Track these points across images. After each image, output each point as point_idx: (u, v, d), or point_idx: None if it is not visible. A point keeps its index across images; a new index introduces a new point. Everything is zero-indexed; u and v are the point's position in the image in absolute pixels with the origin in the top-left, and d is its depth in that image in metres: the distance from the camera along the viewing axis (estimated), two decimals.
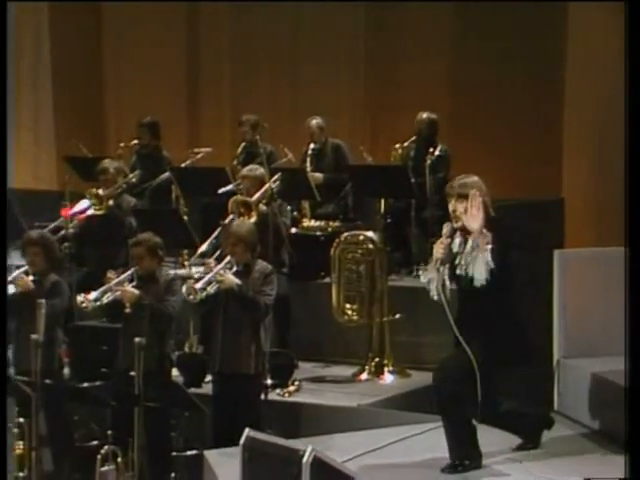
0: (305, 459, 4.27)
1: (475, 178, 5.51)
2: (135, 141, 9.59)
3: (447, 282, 5.43)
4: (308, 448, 4.31)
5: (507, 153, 9.50)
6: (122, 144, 9.65)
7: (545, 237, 7.77)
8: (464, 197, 5.38)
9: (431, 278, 5.43)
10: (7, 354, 6.51)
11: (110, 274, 6.48)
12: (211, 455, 5.83)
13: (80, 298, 6.34)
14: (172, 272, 7.36)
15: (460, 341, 5.36)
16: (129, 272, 6.45)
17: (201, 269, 6.88)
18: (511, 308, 5.47)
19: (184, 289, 6.30)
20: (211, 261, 6.58)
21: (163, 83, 11.09)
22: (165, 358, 6.58)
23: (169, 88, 11.10)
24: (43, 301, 6.04)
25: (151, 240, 6.60)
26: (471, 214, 5.31)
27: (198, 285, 6.30)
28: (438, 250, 5.41)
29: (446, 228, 5.46)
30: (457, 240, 5.46)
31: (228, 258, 6.45)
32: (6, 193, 7.56)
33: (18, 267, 6.92)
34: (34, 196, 10.56)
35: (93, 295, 6.34)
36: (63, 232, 7.95)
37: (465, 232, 5.43)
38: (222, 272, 6.34)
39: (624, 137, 5.97)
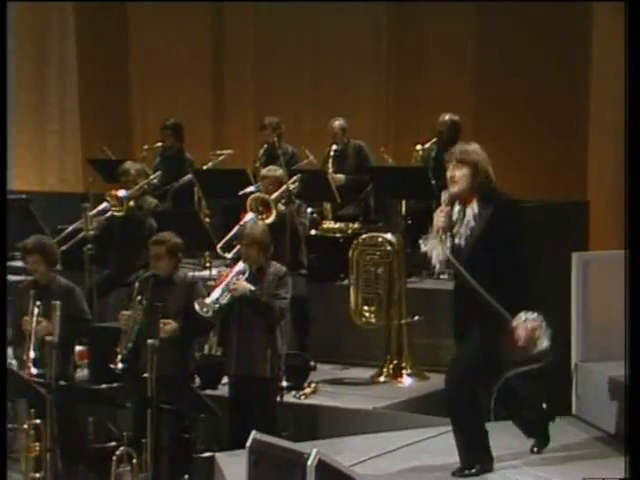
0: (310, 462, 4.26)
1: (476, 145, 5.34)
2: (159, 143, 9.64)
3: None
4: (313, 451, 4.29)
5: (531, 155, 9.42)
6: (146, 146, 9.71)
7: (569, 239, 7.70)
8: (463, 163, 5.22)
9: (432, 247, 5.23)
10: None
11: (122, 316, 6.47)
12: (221, 457, 5.83)
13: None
14: (191, 274, 7.38)
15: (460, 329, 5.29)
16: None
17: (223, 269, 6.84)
18: (513, 286, 5.17)
19: (196, 306, 6.26)
20: (223, 269, 6.56)
21: (188, 85, 11.13)
22: (190, 361, 6.59)
23: (194, 90, 11.14)
24: (57, 303, 6.07)
25: (172, 240, 6.60)
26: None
27: (209, 300, 6.28)
28: (439, 219, 5.24)
29: (444, 195, 5.29)
30: (456, 208, 5.28)
31: (240, 265, 6.44)
32: (6, 193, 7.58)
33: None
34: (60, 199, 10.63)
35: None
36: (83, 234, 7.99)
37: (464, 200, 5.26)
38: (235, 280, 6.32)
39: (624, 137, 5.89)
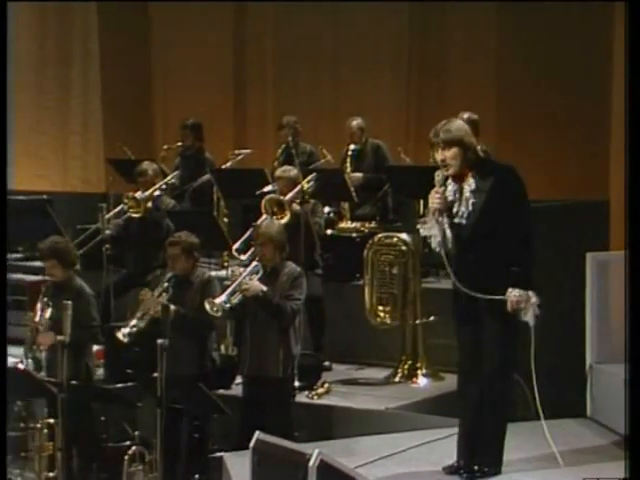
0: (311, 463, 4.25)
1: (458, 122, 5.31)
2: (179, 143, 9.65)
3: (448, 233, 5.18)
4: (315, 452, 4.28)
5: (553, 154, 9.36)
6: (165, 146, 9.73)
7: (589, 240, 7.62)
8: (451, 144, 5.16)
9: (432, 231, 5.20)
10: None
11: (144, 293, 6.49)
12: (228, 457, 5.83)
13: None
14: (208, 273, 7.37)
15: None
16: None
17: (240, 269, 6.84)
18: (514, 260, 5.14)
19: (206, 305, 6.24)
20: (236, 269, 6.54)
21: (210, 85, 11.16)
22: (206, 360, 6.59)
23: (215, 90, 11.16)
24: (69, 302, 6.08)
25: (187, 240, 6.60)
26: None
27: (218, 300, 6.25)
28: (433, 201, 5.18)
29: (438, 177, 5.25)
30: (450, 187, 5.22)
31: (254, 264, 6.42)
32: (6, 193, 7.61)
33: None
34: (82, 199, 10.69)
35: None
36: (102, 234, 8.02)
37: (459, 178, 5.20)
38: (247, 279, 6.29)
39: (624, 137, 5.81)
